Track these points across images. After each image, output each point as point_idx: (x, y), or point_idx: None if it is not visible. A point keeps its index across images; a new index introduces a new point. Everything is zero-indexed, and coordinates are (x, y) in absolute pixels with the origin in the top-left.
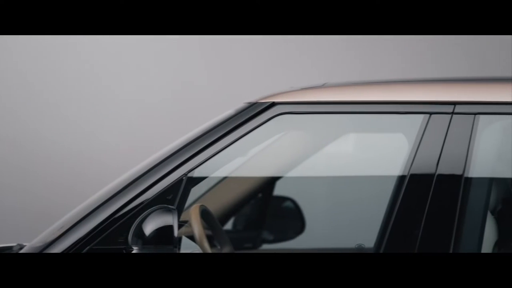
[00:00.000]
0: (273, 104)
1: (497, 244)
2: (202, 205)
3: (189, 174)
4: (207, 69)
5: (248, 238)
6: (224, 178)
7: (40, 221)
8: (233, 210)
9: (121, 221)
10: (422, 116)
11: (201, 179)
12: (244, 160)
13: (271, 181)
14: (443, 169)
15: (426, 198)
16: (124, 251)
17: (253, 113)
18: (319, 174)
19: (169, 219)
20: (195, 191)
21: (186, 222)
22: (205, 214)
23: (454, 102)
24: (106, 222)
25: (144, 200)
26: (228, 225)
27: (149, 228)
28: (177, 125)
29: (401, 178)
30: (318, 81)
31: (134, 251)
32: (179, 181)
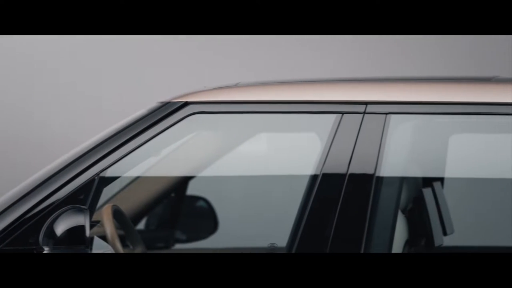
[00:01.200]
0: (186, 104)
1: (407, 243)
2: (114, 205)
3: (102, 174)
4: (121, 68)
5: (161, 238)
6: (137, 178)
7: None
8: (145, 210)
9: (32, 221)
10: (334, 115)
11: (113, 178)
12: (157, 160)
13: (184, 181)
14: (355, 169)
15: (338, 198)
16: (35, 252)
17: (165, 113)
18: (232, 173)
19: (81, 219)
20: (108, 191)
21: (98, 222)
22: (117, 214)
23: (365, 102)
24: (17, 223)
25: (56, 200)
26: (141, 225)
27: (60, 228)
28: (89, 124)
29: (313, 178)
30: (233, 81)
31: (45, 252)
32: (91, 181)
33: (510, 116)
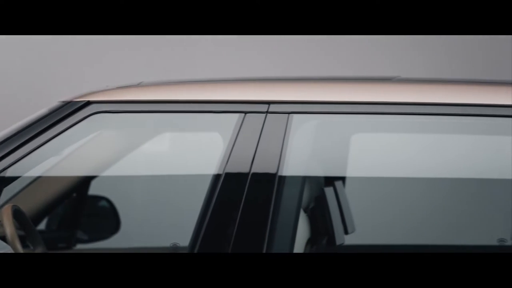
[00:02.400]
0: (88, 103)
1: (309, 241)
2: (14, 205)
3: (1, 174)
4: (21, 66)
5: (62, 238)
6: (38, 177)
7: None
8: (46, 210)
9: None
10: (237, 115)
11: (13, 178)
12: (58, 160)
13: (86, 181)
14: (258, 168)
15: (241, 197)
16: None
17: (67, 112)
18: (134, 173)
19: None
20: (8, 191)
21: None
22: (17, 214)
23: (268, 102)
24: None
25: None
26: (42, 225)
27: None
28: None
29: (216, 177)
30: (140, 80)
31: None
32: None
33: (410, 116)
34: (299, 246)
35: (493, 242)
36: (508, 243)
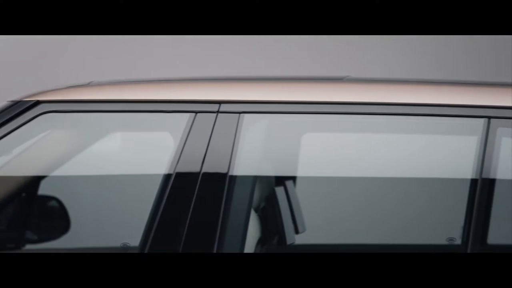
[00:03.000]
0: (37, 103)
1: (260, 241)
2: None
3: None
4: None
5: (11, 239)
6: None
7: None
8: None
9: None
10: (188, 115)
11: None
12: (7, 160)
13: (36, 181)
14: (208, 168)
15: (191, 197)
16: None
17: (16, 112)
18: (84, 173)
19: None
20: None
21: None
22: None
23: (219, 101)
24: None
25: None
26: None
27: None
28: None
29: (166, 177)
30: (92, 79)
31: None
32: None
33: (360, 115)
34: (249, 246)
35: (443, 241)
36: (457, 242)
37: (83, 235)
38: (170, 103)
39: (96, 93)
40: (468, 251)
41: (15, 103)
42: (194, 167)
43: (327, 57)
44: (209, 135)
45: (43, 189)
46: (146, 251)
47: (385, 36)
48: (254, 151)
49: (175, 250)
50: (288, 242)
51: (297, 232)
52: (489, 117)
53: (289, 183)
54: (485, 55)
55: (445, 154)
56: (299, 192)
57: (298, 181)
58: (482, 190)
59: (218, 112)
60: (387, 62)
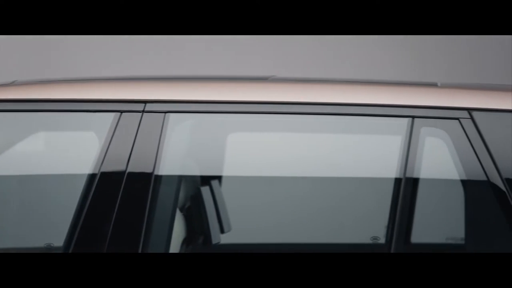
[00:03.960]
0: None
1: (185, 241)
2: None
3: None
4: None
5: None
6: None
7: None
8: None
9: None
10: (113, 114)
11: None
12: None
13: None
14: (134, 168)
15: (116, 197)
16: None
17: None
18: (7, 173)
19: None
20: None
21: None
22: None
23: (144, 101)
24: None
25: None
26: None
27: None
28: None
29: (91, 177)
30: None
31: None
32: None
33: (285, 115)
34: (175, 246)
35: (367, 240)
36: (381, 241)
37: (5, 235)
38: (95, 102)
39: (19, 92)
40: (392, 250)
41: None
42: (119, 167)
43: (376, 57)
44: (134, 135)
45: None
46: (70, 251)
47: (384, 36)
48: (179, 151)
49: (99, 250)
50: (214, 241)
51: (222, 231)
52: (413, 117)
53: (214, 183)
54: (485, 55)
55: (369, 153)
56: (225, 192)
57: (223, 180)
58: (406, 189)
59: (143, 111)
60: (386, 63)
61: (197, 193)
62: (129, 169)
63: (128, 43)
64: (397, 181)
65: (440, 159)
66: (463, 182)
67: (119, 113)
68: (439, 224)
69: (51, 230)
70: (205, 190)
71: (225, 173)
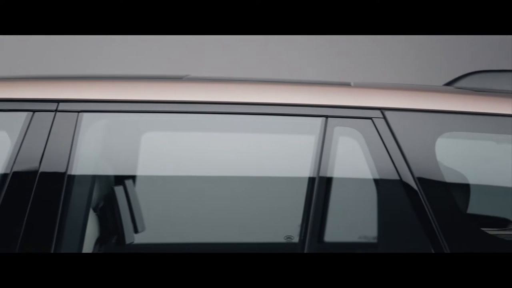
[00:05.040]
0: None
1: (98, 241)
2: None
3: None
4: None
5: None
6: None
7: None
8: None
9: None
10: (25, 113)
11: None
12: None
13: None
14: (46, 167)
15: (28, 197)
16: None
17: None
18: None
19: None
20: None
21: None
22: None
23: (57, 100)
24: None
25: None
26: None
27: None
28: None
29: (2, 177)
30: None
31: None
32: None
33: (200, 115)
34: (88, 246)
35: (281, 239)
36: (295, 240)
37: None
38: (7, 101)
39: None
40: (306, 249)
41: None
42: (31, 167)
43: (377, 58)
44: (47, 134)
45: None
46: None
47: (383, 36)
48: (93, 151)
49: (11, 251)
50: (127, 241)
51: (136, 231)
52: (326, 116)
53: (128, 183)
54: (485, 55)
55: (284, 153)
56: (139, 192)
57: (137, 180)
58: (319, 188)
59: (56, 111)
60: (388, 63)
61: (110, 193)
62: (42, 169)
63: (115, 43)
64: (311, 180)
65: (354, 159)
66: (376, 181)
67: (31, 113)
68: (352, 223)
69: None
70: (118, 190)
71: (139, 172)
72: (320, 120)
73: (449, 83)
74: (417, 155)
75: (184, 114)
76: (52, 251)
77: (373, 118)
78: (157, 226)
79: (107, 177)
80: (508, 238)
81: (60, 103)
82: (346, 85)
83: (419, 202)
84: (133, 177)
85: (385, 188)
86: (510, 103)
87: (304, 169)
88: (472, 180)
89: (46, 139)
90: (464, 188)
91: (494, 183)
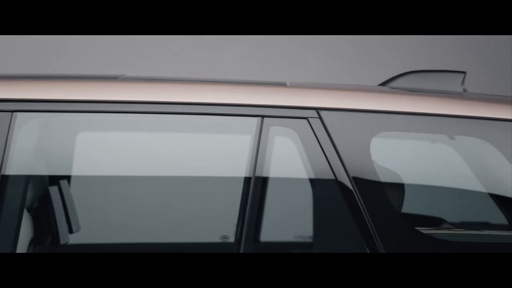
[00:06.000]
0: None
1: (32, 241)
2: None
3: None
4: None
5: None
6: None
7: None
8: None
9: None
10: None
11: None
12: None
13: None
14: None
15: None
16: None
17: None
18: None
19: None
20: None
21: None
22: None
23: None
24: None
25: None
26: None
27: None
28: None
29: None
30: None
31: None
32: None
33: (135, 114)
34: (22, 246)
35: (216, 239)
36: (231, 240)
37: None
38: None
39: None
40: (241, 249)
41: None
42: None
43: (378, 56)
44: None
45: None
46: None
47: (385, 36)
48: (27, 150)
49: None
50: (62, 241)
51: (71, 231)
52: (262, 116)
53: (63, 183)
54: (485, 55)
55: (220, 152)
56: (74, 192)
57: (72, 180)
58: (255, 188)
59: None
60: (390, 61)
61: (45, 193)
62: None
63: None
64: (247, 180)
65: (289, 158)
66: (312, 181)
67: None
68: (288, 223)
69: None
70: (53, 190)
71: (74, 173)
72: (256, 120)
73: (384, 83)
74: (352, 154)
75: (119, 114)
76: None
77: (308, 118)
78: (92, 226)
79: (41, 177)
80: (442, 237)
81: None
82: (282, 85)
83: (354, 201)
84: (68, 177)
85: (321, 188)
86: (444, 103)
87: (240, 169)
88: (406, 179)
89: None
90: (399, 188)
91: (429, 183)
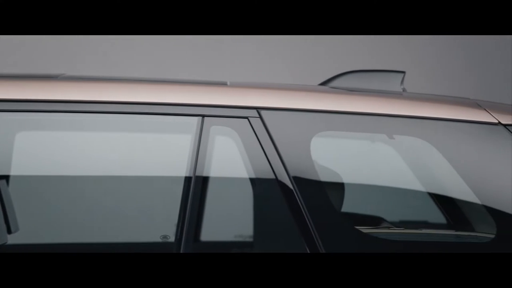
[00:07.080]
0: None
1: None
2: None
3: None
4: None
5: None
6: None
7: None
8: None
9: None
10: None
11: None
12: None
13: None
14: None
15: None
16: None
17: None
18: None
19: None
20: None
21: None
22: None
23: None
24: None
25: None
26: None
27: None
28: None
29: None
30: None
31: None
32: None
33: (74, 114)
34: None
35: (156, 239)
36: (171, 239)
37: None
38: None
39: None
40: (182, 248)
41: None
42: None
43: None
44: None
45: None
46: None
47: (385, 36)
48: None
49: None
50: (0, 242)
51: (9, 231)
52: (203, 116)
53: (1, 182)
54: (485, 55)
55: (160, 152)
56: (12, 191)
57: (11, 180)
58: (195, 188)
59: None
60: (388, 61)
61: None
62: None
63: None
64: (187, 179)
65: (230, 158)
66: (252, 180)
67: None
68: (228, 222)
69: None
70: None
71: (12, 172)
72: (196, 119)
73: (324, 83)
74: (293, 154)
75: (58, 113)
76: None
77: (249, 118)
78: (31, 226)
79: None
80: (382, 236)
81: None
82: (223, 84)
83: (294, 201)
84: (6, 177)
85: (261, 187)
86: (383, 102)
87: (181, 169)
88: (346, 179)
89: None
90: (339, 187)
91: (368, 182)
